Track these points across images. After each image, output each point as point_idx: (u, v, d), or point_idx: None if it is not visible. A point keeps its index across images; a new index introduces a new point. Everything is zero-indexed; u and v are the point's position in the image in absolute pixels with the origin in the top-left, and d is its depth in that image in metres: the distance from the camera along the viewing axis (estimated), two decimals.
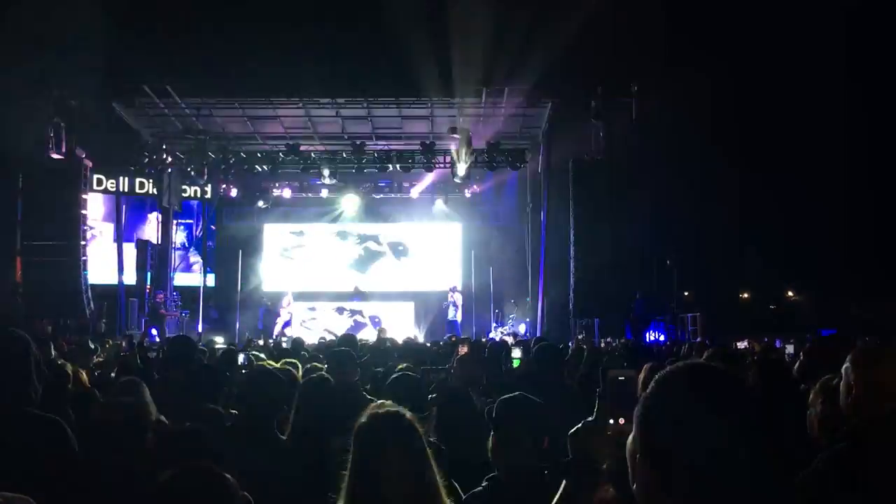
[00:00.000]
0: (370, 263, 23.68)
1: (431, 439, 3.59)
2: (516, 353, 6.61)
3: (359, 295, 22.14)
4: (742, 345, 11.76)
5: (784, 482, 2.50)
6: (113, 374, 6.80)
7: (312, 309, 22.31)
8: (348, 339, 8.13)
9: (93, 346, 8.03)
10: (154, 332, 18.24)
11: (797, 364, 5.13)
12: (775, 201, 19.34)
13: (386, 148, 20.10)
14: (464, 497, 2.97)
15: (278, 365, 6.16)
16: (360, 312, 22.39)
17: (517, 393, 3.24)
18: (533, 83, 17.21)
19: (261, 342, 12.33)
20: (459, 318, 20.56)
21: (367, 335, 20.33)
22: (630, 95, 17.76)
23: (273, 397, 3.85)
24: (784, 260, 20.44)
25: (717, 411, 1.31)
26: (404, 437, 2.40)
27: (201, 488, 1.95)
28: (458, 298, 20.70)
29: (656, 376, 1.42)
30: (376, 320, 21.74)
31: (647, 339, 17.64)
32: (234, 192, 21.70)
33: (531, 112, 19.43)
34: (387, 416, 2.45)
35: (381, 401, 2.88)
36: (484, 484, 3.04)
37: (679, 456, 1.30)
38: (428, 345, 14.29)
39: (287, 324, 21.00)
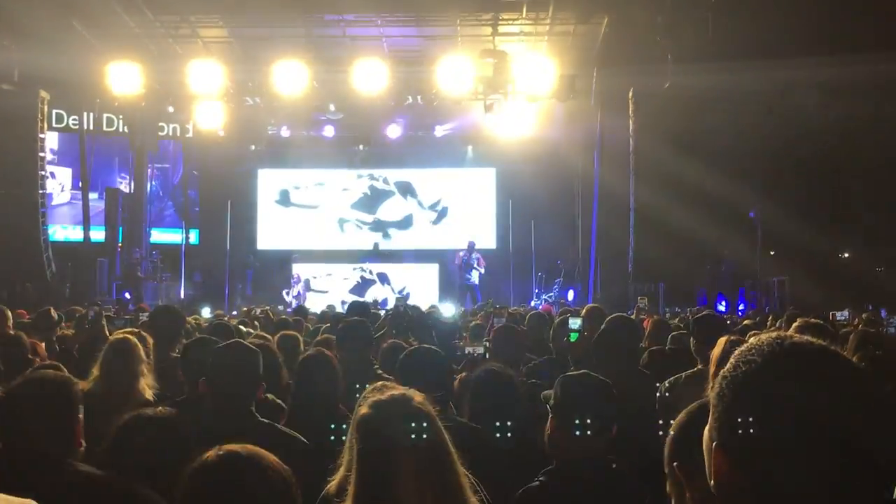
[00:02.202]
0: (377, 203, 24.07)
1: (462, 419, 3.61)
2: (574, 323, 5.81)
3: (377, 255, 22.24)
4: (842, 316, 11.63)
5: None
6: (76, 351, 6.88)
7: (317, 276, 22.46)
8: (361, 308, 8.12)
9: (56, 316, 8.10)
10: (127, 296, 18.43)
11: None
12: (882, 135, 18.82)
13: (403, 75, 19.82)
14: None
15: (275, 338, 6.20)
16: (368, 270, 22.56)
17: (581, 371, 3.20)
18: None
19: (258, 311, 12.41)
20: (477, 280, 20.49)
21: (374, 294, 20.65)
22: (704, 8, 17.35)
23: (246, 375, 3.85)
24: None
25: (814, 394, 1.28)
26: (415, 427, 2.34)
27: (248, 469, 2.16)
28: (478, 258, 20.57)
29: (735, 352, 1.41)
30: (385, 277, 22.06)
31: (718, 309, 17.50)
32: (220, 132, 21.58)
33: (582, 30, 19.12)
34: (391, 402, 2.40)
35: (383, 382, 2.81)
36: (540, 479, 3.01)
37: (764, 443, 1.29)
38: (459, 312, 14.31)
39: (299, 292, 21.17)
